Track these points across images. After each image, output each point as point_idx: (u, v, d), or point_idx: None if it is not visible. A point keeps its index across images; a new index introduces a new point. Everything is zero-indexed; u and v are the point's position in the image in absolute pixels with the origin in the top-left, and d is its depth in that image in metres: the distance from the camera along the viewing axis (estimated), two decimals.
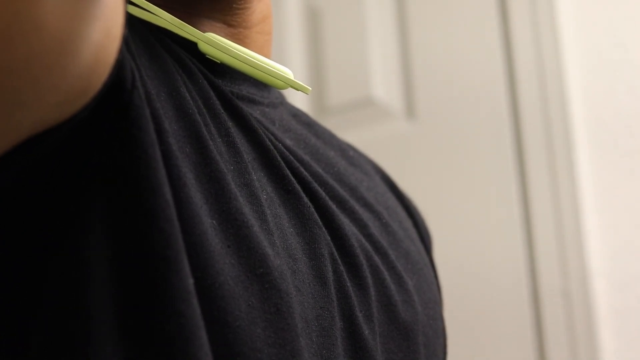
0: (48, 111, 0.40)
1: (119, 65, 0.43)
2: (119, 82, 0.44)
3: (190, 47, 0.58)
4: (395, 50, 1.50)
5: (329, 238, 0.56)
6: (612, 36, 1.32)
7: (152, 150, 0.45)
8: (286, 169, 0.56)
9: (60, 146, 0.43)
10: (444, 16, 1.45)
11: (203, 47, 0.57)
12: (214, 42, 0.57)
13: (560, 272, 1.28)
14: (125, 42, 0.45)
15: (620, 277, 1.26)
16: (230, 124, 0.54)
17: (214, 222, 0.48)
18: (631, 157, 1.28)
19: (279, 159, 0.56)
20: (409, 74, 1.47)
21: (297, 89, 0.60)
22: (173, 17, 0.57)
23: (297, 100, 1.44)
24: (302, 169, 0.58)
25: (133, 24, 0.52)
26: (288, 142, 0.61)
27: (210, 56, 0.58)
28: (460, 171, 1.40)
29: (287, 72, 0.60)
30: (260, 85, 0.62)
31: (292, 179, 0.56)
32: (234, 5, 0.60)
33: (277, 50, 1.56)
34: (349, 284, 0.56)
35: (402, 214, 0.71)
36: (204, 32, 0.58)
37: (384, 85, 1.49)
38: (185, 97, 0.51)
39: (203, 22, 0.59)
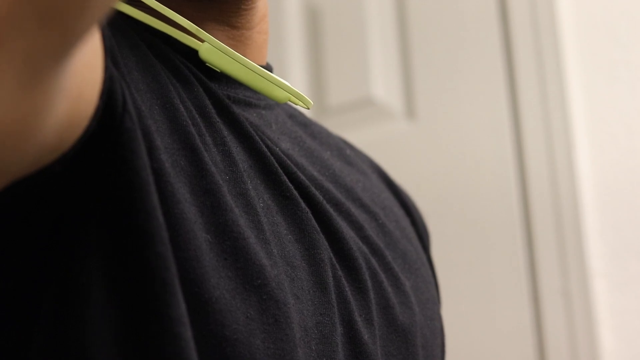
0: (22, 170, 0.40)
1: (106, 96, 0.43)
2: (108, 108, 0.43)
3: (187, 50, 0.57)
4: (395, 50, 1.50)
5: (327, 243, 0.56)
6: (612, 36, 1.32)
7: (144, 172, 0.44)
8: (283, 174, 0.56)
9: (54, 178, 0.43)
10: (444, 16, 1.45)
11: (204, 55, 0.57)
12: (217, 52, 0.57)
13: (560, 272, 1.28)
14: (114, 61, 0.45)
15: (620, 277, 1.26)
16: (225, 132, 0.54)
17: (209, 236, 0.47)
18: (631, 157, 1.28)
19: (276, 164, 0.56)
20: (409, 74, 1.47)
21: (297, 104, 0.60)
22: (183, 18, 0.56)
23: None
24: (299, 174, 0.58)
25: (123, 31, 0.52)
26: (284, 145, 0.61)
27: (211, 64, 0.57)
28: (459, 171, 1.39)
29: (288, 86, 0.60)
30: None
31: (289, 184, 0.56)
32: (242, 7, 0.59)
33: (277, 50, 1.55)
34: (347, 289, 0.56)
35: (399, 212, 0.70)
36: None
37: (384, 85, 1.49)
38: (179, 109, 0.50)
39: (207, 25, 0.59)
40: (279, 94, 0.59)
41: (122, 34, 0.50)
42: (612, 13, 1.32)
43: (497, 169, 1.36)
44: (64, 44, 0.35)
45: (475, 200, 1.37)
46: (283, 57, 1.55)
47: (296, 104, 0.60)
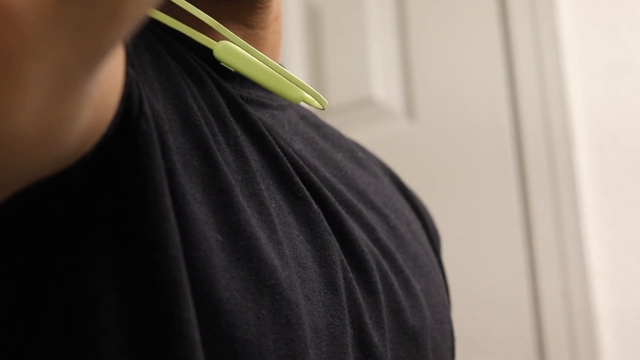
0: (39, 174, 0.40)
1: (126, 101, 0.43)
2: (126, 112, 0.43)
3: (201, 49, 0.57)
4: (395, 50, 1.50)
5: (338, 245, 0.56)
6: (612, 36, 1.32)
7: (159, 176, 0.44)
8: (295, 175, 0.56)
9: (71, 180, 0.43)
10: (444, 16, 1.45)
11: (218, 54, 0.56)
12: (231, 51, 0.56)
13: (560, 272, 1.29)
14: (129, 61, 0.44)
15: (620, 277, 1.27)
16: (239, 132, 0.53)
17: (219, 236, 0.47)
18: (631, 157, 1.29)
19: (289, 165, 0.56)
20: (409, 74, 1.47)
21: (311, 103, 0.59)
22: (205, 14, 0.55)
23: None
24: (311, 175, 0.57)
25: (138, 29, 0.51)
26: (297, 146, 0.61)
27: (225, 64, 0.57)
28: (460, 171, 1.40)
29: (305, 84, 0.59)
30: None
31: (302, 185, 0.56)
32: (258, 5, 0.59)
33: None
34: (358, 291, 0.55)
35: (410, 215, 0.70)
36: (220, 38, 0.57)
37: (384, 85, 1.49)
38: (192, 109, 0.50)
39: (222, 23, 0.58)
40: (293, 94, 0.58)
41: (137, 32, 0.50)
42: (612, 12, 1.32)
43: (497, 169, 1.36)
44: (95, 56, 0.34)
45: (476, 200, 1.38)
46: (283, 57, 1.54)
47: (310, 104, 0.59)
